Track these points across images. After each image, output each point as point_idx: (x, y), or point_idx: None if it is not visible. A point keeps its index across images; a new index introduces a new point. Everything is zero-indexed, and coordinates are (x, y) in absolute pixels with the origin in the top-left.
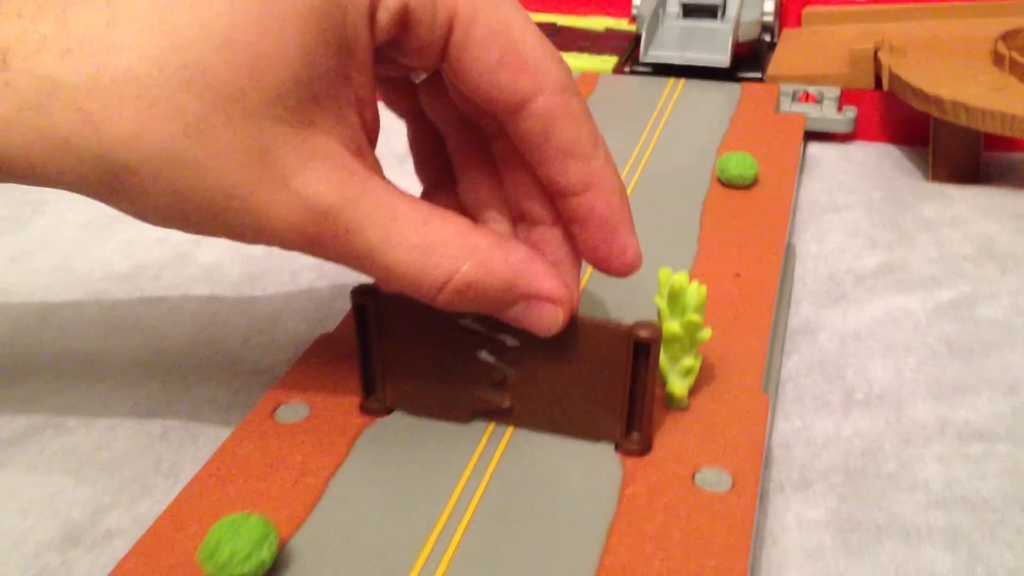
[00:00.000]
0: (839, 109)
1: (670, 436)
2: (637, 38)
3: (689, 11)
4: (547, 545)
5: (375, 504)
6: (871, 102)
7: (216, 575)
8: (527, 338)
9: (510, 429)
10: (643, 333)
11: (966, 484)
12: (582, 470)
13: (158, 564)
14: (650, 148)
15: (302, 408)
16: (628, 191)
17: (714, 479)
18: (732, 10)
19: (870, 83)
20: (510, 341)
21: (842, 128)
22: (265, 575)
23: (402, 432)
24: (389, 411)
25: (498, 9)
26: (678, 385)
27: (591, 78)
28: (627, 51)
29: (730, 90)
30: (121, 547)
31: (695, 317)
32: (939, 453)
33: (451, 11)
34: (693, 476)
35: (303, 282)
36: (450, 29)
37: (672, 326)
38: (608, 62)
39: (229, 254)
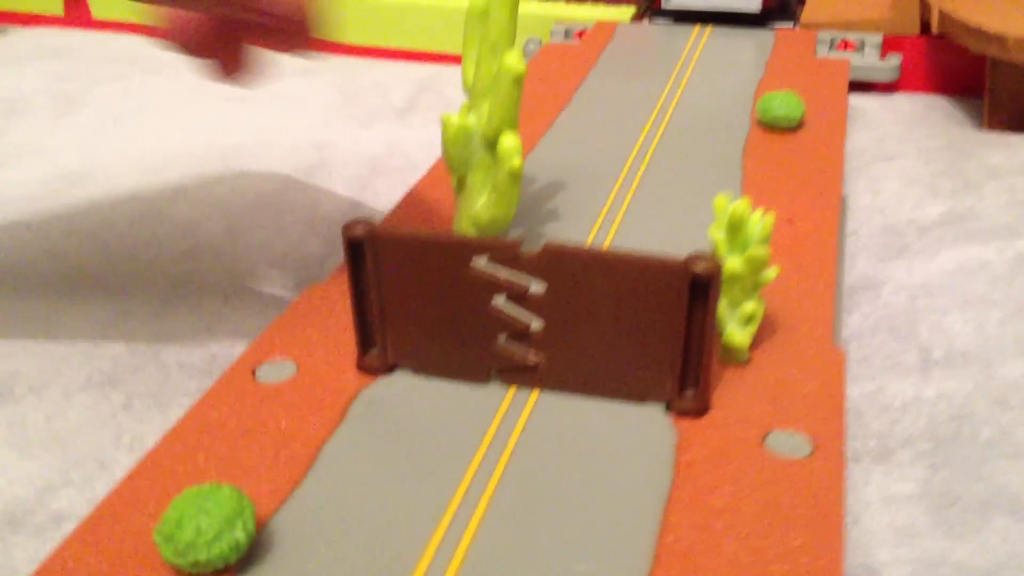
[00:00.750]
0: (882, 56)
1: (730, 395)
2: None
3: None
4: (589, 525)
5: (376, 477)
6: (916, 49)
7: (177, 560)
8: (556, 281)
9: (536, 391)
10: (700, 267)
11: None
12: (627, 435)
13: (107, 549)
14: (678, 94)
15: (287, 366)
16: (656, 137)
17: (789, 443)
18: None
19: (915, 28)
20: (534, 286)
21: (886, 76)
22: (240, 561)
23: (406, 394)
24: (390, 369)
25: None
26: (738, 334)
27: (608, 27)
28: (646, 2)
29: (762, 36)
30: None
31: (761, 251)
32: None
33: None
34: (763, 440)
35: (292, 239)
36: None
37: (733, 263)
38: (625, 12)
39: (207, 210)
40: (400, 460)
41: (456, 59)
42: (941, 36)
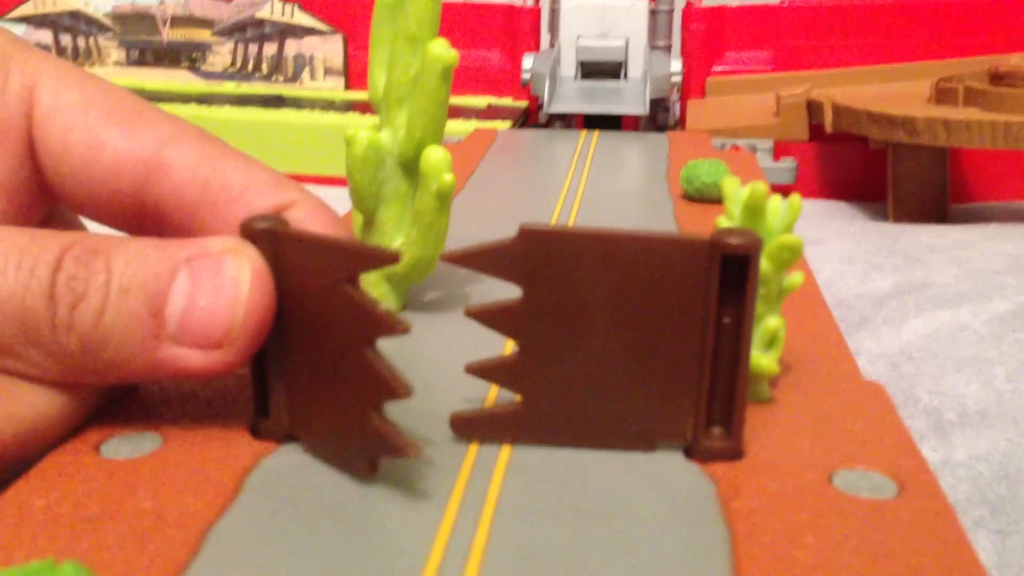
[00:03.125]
0: (775, 160)
1: (763, 435)
2: (526, 110)
3: (588, 72)
4: None
5: (297, 566)
6: (807, 155)
7: None
8: (537, 279)
9: (506, 448)
10: (735, 240)
11: None
12: (643, 488)
13: None
14: (583, 180)
15: (147, 439)
16: (572, 216)
17: (867, 483)
18: (636, 70)
19: (804, 134)
20: (505, 285)
21: (784, 178)
22: None
23: (322, 464)
24: (292, 437)
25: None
26: (763, 358)
27: (488, 133)
28: (519, 120)
29: (654, 137)
30: None
31: (791, 239)
32: None
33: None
34: (829, 482)
35: None
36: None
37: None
38: (502, 126)
39: None
40: (330, 544)
41: (314, 179)
42: (834, 136)
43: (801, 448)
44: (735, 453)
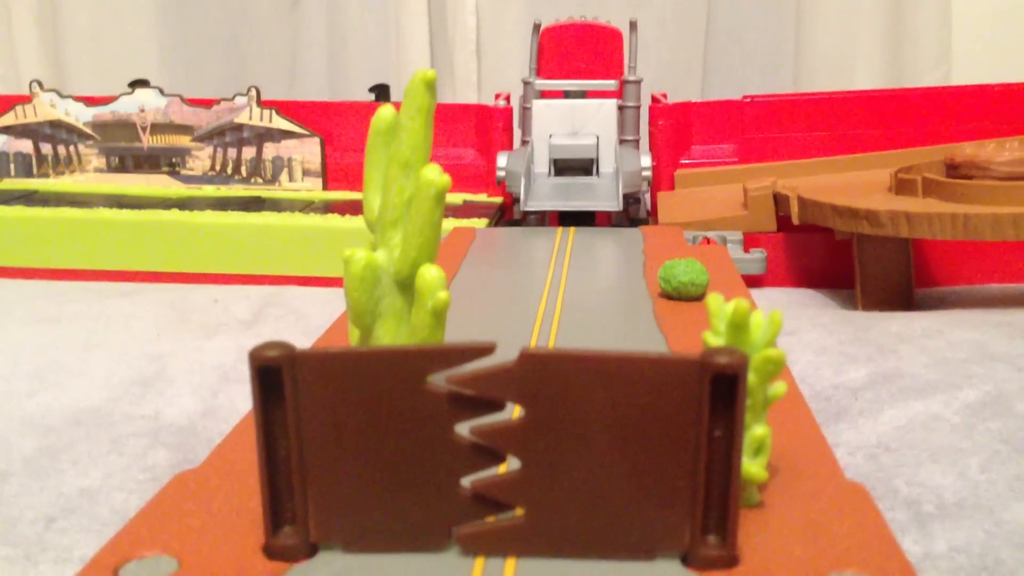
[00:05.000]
0: (745, 251)
1: (755, 540)
2: (501, 206)
3: (561, 168)
4: None
5: None
6: (775, 245)
7: None
8: (538, 400)
9: (511, 561)
10: (723, 360)
11: None
12: None
13: None
14: (563, 281)
15: (164, 562)
16: (555, 316)
17: None
18: (608, 166)
19: (772, 225)
20: (509, 408)
21: (755, 269)
22: None
23: None
24: (313, 551)
25: None
26: (752, 465)
27: (467, 231)
28: (495, 216)
29: (629, 233)
30: None
31: (774, 352)
32: None
33: None
34: None
35: (131, 451)
36: None
37: None
38: (479, 224)
39: (17, 427)
40: None
41: (295, 280)
42: (802, 226)
43: (793, 553)
44: (731, 560)
